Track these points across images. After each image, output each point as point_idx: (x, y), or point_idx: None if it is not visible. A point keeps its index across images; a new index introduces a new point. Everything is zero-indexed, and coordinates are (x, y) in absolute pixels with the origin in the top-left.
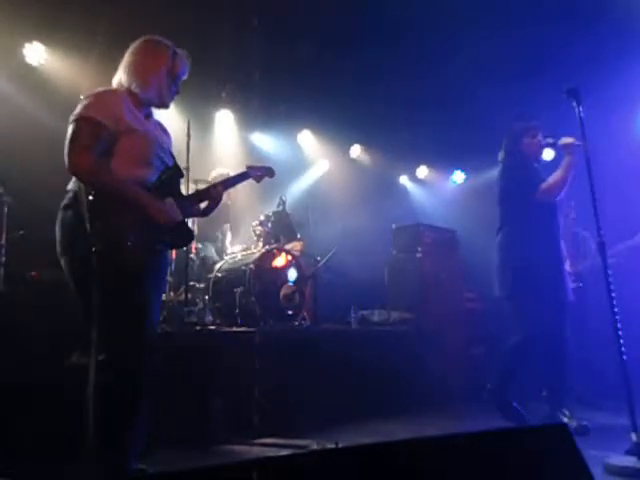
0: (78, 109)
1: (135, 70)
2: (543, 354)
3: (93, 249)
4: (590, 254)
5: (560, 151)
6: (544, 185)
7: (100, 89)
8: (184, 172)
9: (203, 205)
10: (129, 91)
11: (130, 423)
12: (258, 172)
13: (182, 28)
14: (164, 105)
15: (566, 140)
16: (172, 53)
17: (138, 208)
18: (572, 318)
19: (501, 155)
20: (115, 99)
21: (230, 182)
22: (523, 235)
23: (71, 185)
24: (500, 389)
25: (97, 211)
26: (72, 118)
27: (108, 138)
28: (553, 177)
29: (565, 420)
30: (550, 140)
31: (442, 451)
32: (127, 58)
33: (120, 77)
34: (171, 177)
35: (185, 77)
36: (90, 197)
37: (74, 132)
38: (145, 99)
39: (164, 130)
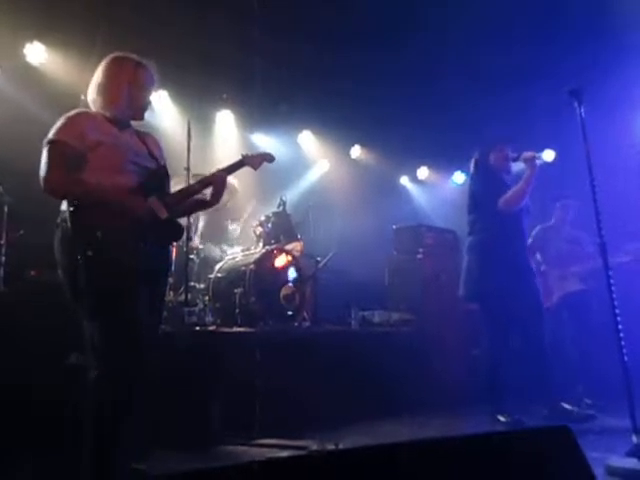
0: (50, 133)
1: (98, 91)
2: (524, 356)
3: (78, 257)
4: (591, 256)
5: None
6: (503, 198)
7: (71, 112)
8: (179, 173)
9: (205, 194)
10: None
11: (120, 422)
12: (255, 159)
13: (183, 28)
14: (136, 117)
15: (527, 154)
16: (134, 66)
17: (116, 209)
18: (575, 320)
19: (472, 167)
20: (81, 119)
21: (227, 170)
22: (488, 241)
23: (62, 205)
24: (489, 390)
25: (77, 222)
26: (44, 141)
27: (77, 155)
28: (512, 190)
29: (568, 407)
30: (515, 155)
31: (443, 453)
32: (94, 78)
33: (89, 96)
34: (153, 178)
35: (154, 86)
36: (71, 208)
37: (45, 155)
38: (112, 116)
39: (146, 137)
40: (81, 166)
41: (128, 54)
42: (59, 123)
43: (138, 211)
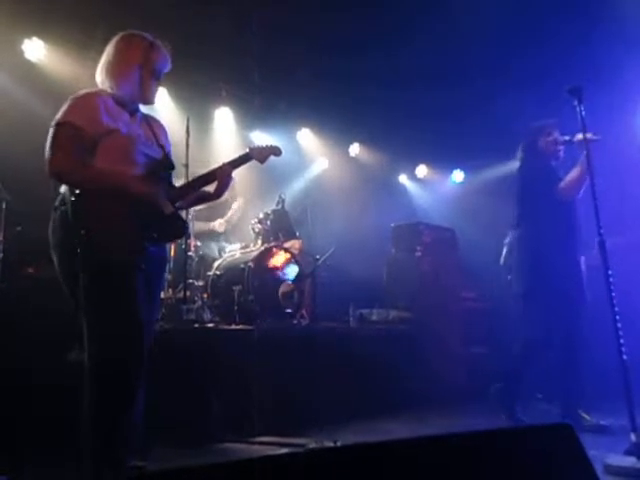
0: (58, 114)
1: (107, 71)
2: (559, 355)
3: (78, 250)
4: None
5: (577, 148)
6: (562, 184)
7: (81, 92)
8: (181, 168)
9: (209, 188)
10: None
11: (120, 419)
12: (262, 153)
13: (182, 25)
14: (145, 101)
15: (581, 136)
16: (147, 47)
17: (124, 200)
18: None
19: (519, 154)
20: (93, 102)
21: (232, 164)
22: (540, 234)
23: (62, 188)
24: (506, 389)
25: (79, 211)
26: (52, 123)
27: (87, 140)
28: (570, 175)
29: (585, 417)
30: (566, 137)
31: (443, 450)
32: (103, 57)
33: (98, 77)
34: (159, 170)
35: (167, 69)
36: (72, 198)
37: (52, 137)
38: (122, 98)
39: (154, 124)
40: (90, 151)
41: (140, 32)
42: (69, 104)
43: (150, 197)
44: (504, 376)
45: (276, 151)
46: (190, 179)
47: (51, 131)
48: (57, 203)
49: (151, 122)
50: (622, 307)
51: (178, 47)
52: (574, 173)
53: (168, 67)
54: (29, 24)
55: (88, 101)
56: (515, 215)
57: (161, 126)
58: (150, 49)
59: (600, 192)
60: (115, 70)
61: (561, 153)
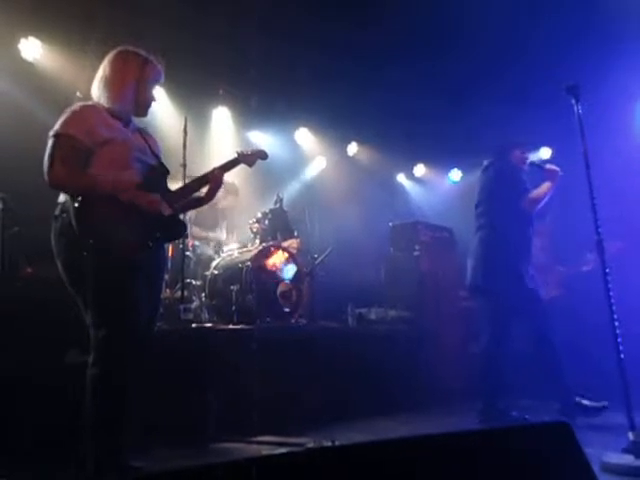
0: (55, 126)
1: (104, 85)
2: (534, 353)
3: (85, 253)
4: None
5: (544, 174)
6: (531, 196)
7: (77, 104)
8: (175, 169)
9: (203, 192)
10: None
11: (119, 418)
12: (249, 157)
13: (180, 25)
14: (139, 114)
15: (552, 167)
16: (142, 62)
17: (124, 204)
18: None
19: (491, 161)
20: (89, 114)
21: (222, 168)
22: (504, 236)
23: (61, 197)
24: (487, 387)
25: (83, 217)
26: (50, 134)
27: (85, 150)
28: (537, 191)
29: (584, 403)
30: (537, 161)
31: (441, 449)
32: (99, 72)
33: (94, 91)
34: (155, 175)
35: (160, 82)
36: (75, 204)
37: (51, 148)
38: (117, 111)
39: (146, 135)
40: (88, 161)
41: (136, 49)
42: (66, 116)
43: (149, 204)
44: (482, 375)
45: (262, 155)
46: (184, 183)
47: (49, 143)
48: (57, 212)
49: (144, 134)
50: (619, 306)
51: (176, 46)
52: (539, 192)
53: (161, 80)
54: (26, 23)
55: (84, 113)
56: (480, 214)
57: (154, 140)
58: (144, 65)
59: (596, 192)
60: (111, 86)
61: (525, 169)
